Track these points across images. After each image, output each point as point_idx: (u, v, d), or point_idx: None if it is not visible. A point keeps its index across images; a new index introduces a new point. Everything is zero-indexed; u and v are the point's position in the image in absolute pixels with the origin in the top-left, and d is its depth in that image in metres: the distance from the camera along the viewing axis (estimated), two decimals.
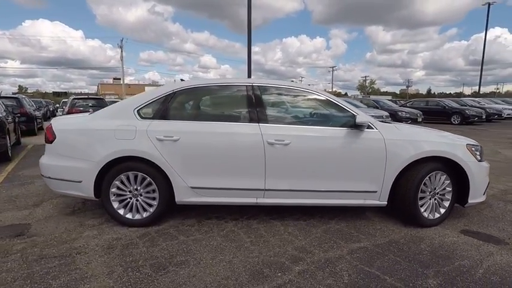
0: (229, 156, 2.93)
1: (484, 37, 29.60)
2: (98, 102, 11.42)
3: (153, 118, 3.01)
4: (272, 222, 3.17)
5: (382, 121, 3.32)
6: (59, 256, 2.48)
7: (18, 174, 5.13)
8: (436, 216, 3.10)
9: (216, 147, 2.93)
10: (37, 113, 11.81)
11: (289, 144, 2.91)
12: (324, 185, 2.99)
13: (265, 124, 2.97)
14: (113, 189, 2.96)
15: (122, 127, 2.94)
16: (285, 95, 3.30)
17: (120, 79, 48.37)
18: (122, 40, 39.13)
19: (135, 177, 2.96)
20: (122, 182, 2.97)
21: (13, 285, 2.10)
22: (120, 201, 3.01)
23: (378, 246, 2.70)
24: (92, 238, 2.80)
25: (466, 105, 18.25)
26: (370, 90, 79.51)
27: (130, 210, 3.02)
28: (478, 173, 3.08)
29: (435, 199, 3.11)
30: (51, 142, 3.08)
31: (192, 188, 2.95)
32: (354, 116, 3.01)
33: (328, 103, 3.20)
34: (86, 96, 13.29)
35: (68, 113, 10.50)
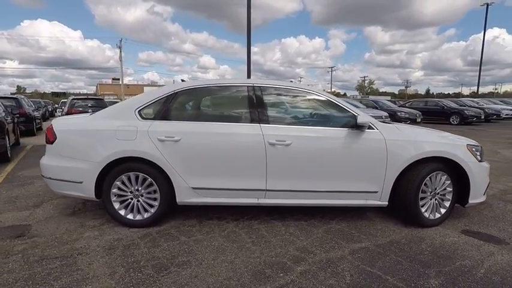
0: (230, 156, 2.93)
1: (482, 38, 29.72)
2: (97, 103, 11.39)
3: (154, 119, 3.01)
4: (273, 223, 3.18)
5: (382, 121, 3.32)
6: (60, 257, 2.47)
7: (17, 175, 5.12)
8: (436, 217, 3.11)
9: (217, 148, 2.93)
10: (36, 114, 11.77)
11: (290, 145, 2.91)
12: (325, 185, 3.00)
13: (266, 125, 2.97)
14: (114, 190, 2.96)
15: (123, 127, 2.94)
16: (286, 95, 3.30)
17: (119, 79, 48.35)
18: (120, 40, 39.13)
19: (136, 177, 2.96)
20: (123, 183, 2.97)
21: (15, 286, 2.09)
22: (121, 202, 3.01)
23: (379, 246, 2.71)
24: (93, 239, 2.79)
25: (464, 106, 18.31)
26: (369, 91, 79.65)
27: (132, 210, 3.02)
28: (478, 173, 3.09)
29: (436, 199, 3.12)
30: (51, 143, 3.07)
31: (193, 188, 2.95)
32: (354, 117, 3.02)
33: (328, 103, 3.20)
34: (85, 97, 13.27)
35: (67, 113, 10.47)
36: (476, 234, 2.98)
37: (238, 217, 3.30)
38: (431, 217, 3.09)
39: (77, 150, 2.99)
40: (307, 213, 3.39)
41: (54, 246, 2.66)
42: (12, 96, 11.17)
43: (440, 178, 3.06)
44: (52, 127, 3.11)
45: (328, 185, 3.00)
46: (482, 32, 29.43)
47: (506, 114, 20.41)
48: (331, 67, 77.01)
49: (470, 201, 3.11)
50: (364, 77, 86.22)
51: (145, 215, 3.01)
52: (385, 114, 12.98)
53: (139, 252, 2.56)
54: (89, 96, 13.90)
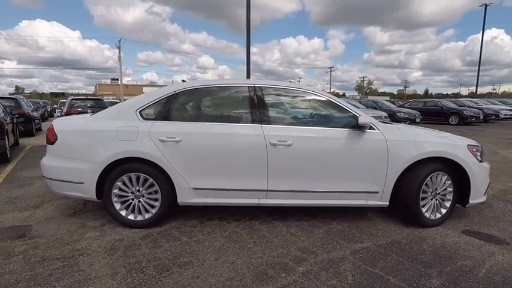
0: (231, 157, 2.93)
1: (481, 38, 29.81)
2: (96, 103, 11.38)
3: (155, 119, 3.01)
4: (274, 223, 3.18)
5: (382, 122, 3.33)
6: (61, 258, 2.47)
7: (17, 176, 5.10)
8: (437, 217, 3.11)
9: (218, 148, 2.93)
10: (35, 114, 11.75)
11: (291, 145, 2.91)
12: (326, 185, 3.00)
13: (268, 125, 2.98)
14: (115, 191, 2.96)
15: (124, 128, 2.94)
16: (287, 95, 3.31)
17: (118, 80, 48.28)
18: (119, 41, 39.03)
19: (137, 178, 2.95)
20: (124, 183, 2.96)
21: (16, 287, 2.09)
22: (122, 203, 3.00)
23: (380, 246, 2.71)
24: (94, 239, 2.79)
25: (463, 106, 18.36)
26: (368, 91, 79.75)
27: (133, 211, 3.01)
28: (479, 173, 3.10)
29: (436, 199, 3.13)
30: (52, 143, 3.06)
31: (195, 189, 2.95)
32: (355, 117, 3.02)
33: (329, 104, 3.21)
34: (85, 97, 13.23)
35: (67, 113, 10.45)
36: (476, 234, 2.98)
37: (239, 217, 3.30)
38: (432, 217, 3.09)
39: (77, 150, 2.98)
40: (308, 214, 3.39)
41: (55, 247, 2.66)
42: (11, 96, 11.14)
43: (441, 178, 3.07)
44: (53, 127, 3.11)
45: (329, 185, 3.00)
46: (481, 32, 29.57)
47: (505, 115, 20.47)
48: (330, 67, 77.22)
49: (471, 201, 3.12)
50: (363, 77, 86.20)
51: (147, 216, 3.00)
52: (385, 114, 13.00)
53: (141, 252, 2.55)
54: (88, 97, 13.86)
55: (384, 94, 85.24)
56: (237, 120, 3.09)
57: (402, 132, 3.14)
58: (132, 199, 3.00)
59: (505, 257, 2.55)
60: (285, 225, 3.14)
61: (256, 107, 3.04)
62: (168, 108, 3.04)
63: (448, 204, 3.14)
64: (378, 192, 3.02)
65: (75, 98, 12.04)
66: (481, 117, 17.06)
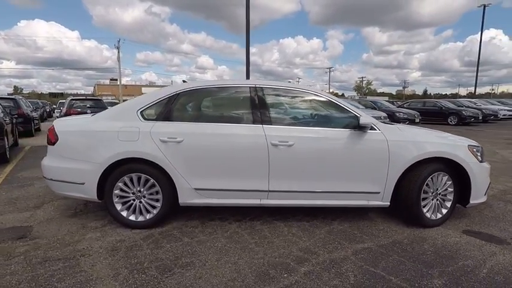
0: (233, 157, 2.93)
1: (479, 38, 29.90)
2: (95, 103, 11.36)
3: (156, 119, 3.01)
4: (275, 223, 3.18)
5: (382, 122, 3.34)
6: (63, 258, 2.46)
7: (17, 176, 5.09)
8: (438, 217, 3.12)
9: (219, 149, 2.93)
10: (34, 114, 11.72)
11: (292, 146, 2.91)
12: (327, 186, 3.00)
13: (269, 125, 2.98)
14: (116, 191, 2.95)
15: (125, 128, 2.93)
16: (289, 96, 3.31)
17: (116, 80, 48.22)
18: (119, 41, 38.97)
19: (139, 178, 2.95)
20: (125, 184, 2.96)
21: None
22: (123, 203, 3.00)
23: (381, 246, 2.71)
24: (95, 240, 2.78)
25: (462, 106, 18.41)
26: (366, 91, 79.87)
27: (134, 212, 3.01)
28: (479, 173, 3.11)
29: (437, 200, 3.13)
30: (53, 144, 3.06)
31: (196, 189, 2.95)
32: (356, 117, 3.02)
33: (330, 104, 3.21)
34: (84, 97, 13.21)
35: (66, 114, 10.43)
36: (477, 234, 2.99)
37: (240, 218, 3.30)
38: (433, 217, 3.10)
39: (78, 151, 2.98)
40: (308, 214, 3.39)
41: (56, 247, 2.65)
42: (10, 97, 11.11)
43: (442, 178, 3.08)
44: (54, 128, 3.10)
45: (331, 185, 3.01)
46: (480, 33, 29.64)
47: (504, 115, 20.54)
48: (329, 68, 77.27)
49: (472, 201, 3.13)
50: (362, 77, 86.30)
51: (148, 216, 3.00)
52: (384, 114, 13.02)
53: (143, 253, 2.55)
54: (88, 97, 13.85)
55: (382, 94, 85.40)
56: (238, 120, 3.09)
57: (403, 132, 3.15)
58: (133, 200, 3.00)
59: (506, 257, 2.56)
60: (286, 225, 3.14)
61: (258, 107, 3.04)
62: (169, 109, 3.04)
63: (448, 204, 3.15)
64: (379, 193, 3.02)
65: (74, 98, 12.02)
66: (480, 118, 17.11)
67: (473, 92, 33.17)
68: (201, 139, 2.93)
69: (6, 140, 6.18)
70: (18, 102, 10.22)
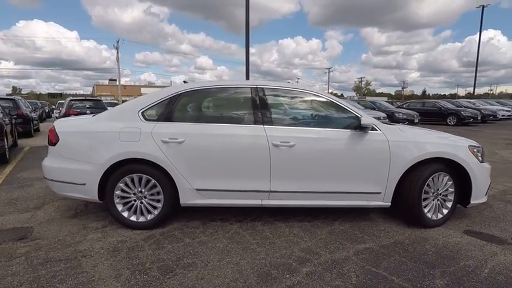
0: (234, 158, 2.93)
1: (478, 39, 29.98)
2: (95, 104, 11.35)
3: (157, 120, 3.01)
4: (276, 224, 3.18)
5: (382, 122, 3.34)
6: (64, 259, 2.46)
7: (17, 177, 5.08)
8: (439, 217, 3.13)
9: (221, 149, 2.93)
10: (33, 115, 11.70)
11: (294, 146, 2.92)
12: (328, 186, 3.01)
13: (270, 126, 2.98)
14: (117, 192, 2.95)
15: (126, 129, 2.93)
16: (290, 97, 3.31)
17: (115, 80, 48.14)
18: (118, 41, 38.93)
19: (140, 179, 2.95)
20: (126, 185, 2.95)
21: None
22: (125, 204, 2.99)
23: (383, 247, 2.72)
24: (96, 241, 2.78)
25: (461, 107, 18.45)
26: (365, 92, 80.00)
27: (135, 212, 3.01)
28: (480, 174, 3.12)
29: (438, 200, 3.14)
30: (54, 144, 3.05)
31: (197, 190, 2.95)
32: (358, 118, 3.03)
33: (332, 105, 3.21)
34: (83, 98, 13.19)
35: (65, 114, 10.41)
36: (478, 234, 3.00)
37: (241, 218, 3.30)
38: (434, 218, 3.11)
39: (79, 152, 2.97)
40: (309, 214, 3.39)
41: (57, 248, 2.64)
42: (9, 97, 11.08)
43: (443, 179, 3.08)
44: (54, 129, 3.09)
45: (332, 186, 3.01)
46: (478, 33, 29.73)
47: (503, 115, 20.60)
48: (328, 68, 77.35)
49: (472, 201, 3.14)
50: (361, 78, 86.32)
51: (149, 217, 3.00)
52: (383, 115, 13.03)
53: (144, 254, 2.55)
54: (87, 98, 13.82)
55: (381, 95, 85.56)
56: (239, 121, 3.09)
57: (404, 133, 3.15)
58: (135, 200, 2.99)
59: (507, 257, 2.57)
60: (287, 226, 3.14)
61: (259, 108, 3.04)
62: (171, 109, 3.04)
63: (449, 204, 3.16)
64: (380, 193, 3.03)
65: (73, 98, 11.99)
66: (479, 118, 17.16)
67: (471, 92, 33.33)
68: (202, 140, 2.93)
69: (5, 140, 6.17)
70: (18, 103, 10.19)
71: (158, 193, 2.97)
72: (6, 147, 6.22)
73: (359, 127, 2.99)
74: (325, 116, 3.25)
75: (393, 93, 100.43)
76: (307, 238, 2.87)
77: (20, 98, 11.93)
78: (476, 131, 13.91)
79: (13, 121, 7.98)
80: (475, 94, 33.34)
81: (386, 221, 3.29)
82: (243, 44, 15.12)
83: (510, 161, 6.85)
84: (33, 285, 2.12)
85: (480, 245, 2.78)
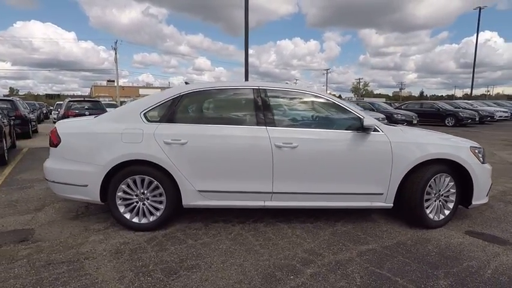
0: (236, 159, 2.92)
1: (475, 40, 30.19)
2: (94, 105, 11.33)
3: (160, 121, 3.00)
4: (279, 225, 3.18)
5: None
6: (66, 261, 2.44)
7: (16, 178, 5.05)
8: (441, 218, 3.14)
9: (223, 151, 2.92)
10: (31, 116, 11.64)
11: (296, 147, 2.92)
12: (330, 187, 3.01)
13: (273, 127, 2.98)
14: (119, 193, 2.93)
15: (128, 130, 2.92)
16: (292, 98, 3.31)
17: (113, 81, 48.04)
18: (116, 42, 38.88)
19: (142, 181, 2.94)
20: (129, 186, 2.94)
21: None
22: (127, 205, 2.98)
23: (386, 248, 2.72)
24: (98, 243, 2.76)
25: (459, 108, 18.54)
26: (363, 93, 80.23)
27: (137, 214, 2.99)
28: (481, 174, 3.13)
29: (440, 201, 3.15)
30: (55, 146, 3.04)
31: (200, 191, 2.94)
32: (360, 119, 3.04)
33: (334, 106, 3.22)
34: (82, 99, 13.15)
35: (64, 115, 10.38)
36: (480, 235, 3.01)
37: (243, 220, 3.29)
38: (436, 218, 3.12)
39: (81, 153, 2.96)
40: (311, 216, 3.39)
41: (59, 250, 2.63)
42: (8, 98, 11.03)
43: (444, 180, 3.09)
44: (56, 130, 3.08)
45: (334, 187, 3.01)
46: (475, 35, 29.94)
47: (500, 116, 20.71)
48: (327, 69, 77.34)
49: (474, 202, 3.15)
50: (359, 79, 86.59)
51: (151, 219, 2.99)
52: (382, 116, 13.05)
53: (147, 256, 2.54)
54: (86, 99, 13.79)
55: (379, 96, 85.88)
56: (242, 122, 3.09)
57: (406, 134, 3.16)
58: (137, 202, 2.98)
59: (510, 257, 2.58)
60: (289, 227, 3.14)
61: (261, 109, 3.04)
62: (173, 111, 3.03)
63: (451, 205, 3.17)
64: (382, 194, 3.03)
65: (72, 99, 11.97)
66: (477, 119, 17.24)
67: (469, 93, 33.43)
68: (204, 141, 2.93)
69: (4, 142, 6.13)
70: (16, 104, 10.15)
71: (160, 194, 2.96)
72: (5, 148, 6.18)
73: (361, 128, 3.00)
74: (328, 117, 3.26)
75: (391, 94, 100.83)
76: (310, 239, 2.87)
77: (18, 99, 11.87)
78: (474, 132, 13.98)
79: (11, 122, 7.93)
80: (472, 95, 33.52)
81: (389, 222, 3.29)
82: (241, 45, 15.23)
83: (509, 161, 6.89)
84: (36, 287, 2.11)
85: (482, 245, 2.79)
